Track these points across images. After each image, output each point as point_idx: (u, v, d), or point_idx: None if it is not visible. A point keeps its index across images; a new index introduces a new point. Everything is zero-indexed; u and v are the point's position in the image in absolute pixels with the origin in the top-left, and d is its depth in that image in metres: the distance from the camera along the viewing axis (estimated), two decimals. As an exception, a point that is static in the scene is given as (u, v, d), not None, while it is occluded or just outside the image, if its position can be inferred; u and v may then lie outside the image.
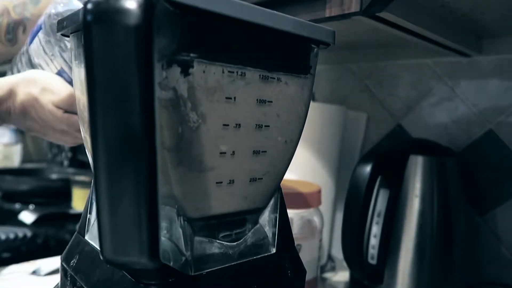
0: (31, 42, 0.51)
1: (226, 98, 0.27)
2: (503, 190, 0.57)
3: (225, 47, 0.26)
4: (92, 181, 0.27)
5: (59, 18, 0.33)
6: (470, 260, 0.58)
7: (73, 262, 0.32)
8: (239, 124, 0.28)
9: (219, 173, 0.29)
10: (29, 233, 0.77)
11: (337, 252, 0.71)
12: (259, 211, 0.34)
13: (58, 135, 0.49)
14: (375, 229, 0.53)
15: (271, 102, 0.29)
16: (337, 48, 0.65)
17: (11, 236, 0.74)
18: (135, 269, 0.26)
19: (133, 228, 0.21)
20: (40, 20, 0.50)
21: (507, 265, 0.56)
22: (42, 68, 0.50)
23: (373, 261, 0.53)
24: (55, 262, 0.60)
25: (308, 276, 0.47)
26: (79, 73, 0.31)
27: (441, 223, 0.51)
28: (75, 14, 0.29)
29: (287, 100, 0.30)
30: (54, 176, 1.21)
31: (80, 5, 0.48)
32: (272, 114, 0.30)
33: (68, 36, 0.33)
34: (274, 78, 0.29)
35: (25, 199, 0.97)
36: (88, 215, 0.33)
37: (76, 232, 0.35)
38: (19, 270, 0.58)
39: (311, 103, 0.34)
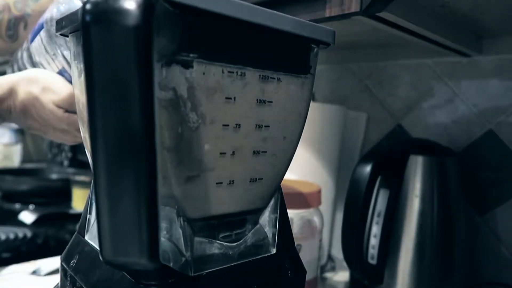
0: (32, 40, 0.51)
1: (226, 98, 0.27)
2: (503, 190, 0.57)
3: (225, 47, 0.26)
4: (92, 181, 0.27)
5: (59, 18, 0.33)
6: (470, 260, 0.58)
7: (73, 262, 0.32)
8: (239, 124, 0.28)
9: (219, 173, 0.29)
10: (29, 233, 0.77)
11: (337, 252, 0.71)
12: (259, 211, 0.34)
13: (59, 134, 0.49)
14: (375, 229, 0.53)
15: (271, 102, 0.29)
16: (337, 48, 0.65)
17: (11, 236, 0.74)
18: (134, 270, 0.26)
19: (133, 229, 0.21)
20: (42, 19, 0.50)
21: (507, 265, 0.56)
22: (43, 67, 0.50)
23: (373, 261, 0.53)
24: (55, 262, 0.60)
25: (308, 276, 0.47)
26: (78, 73, 0.31)
27: (441, 223, 0.51)
28: (74, 14, 0.29)
29: (287, 100, 0.30)
30: (54, 176, 1.21)
31: (81, 5, 0.48)
32: (272, 114, 0.30)
33: (67, 36, 0.33)
34: (274, 78, 0.29)
35: (25, 199, 0.97)
36: (88, 215, 0.33)
37: (76, 232, 0.35)
38: (19, 270, 0.58)
39: (311, 103, 0.34)
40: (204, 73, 0.25)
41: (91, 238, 0.33)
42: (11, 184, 1.01)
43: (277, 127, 0.31)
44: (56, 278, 0.42)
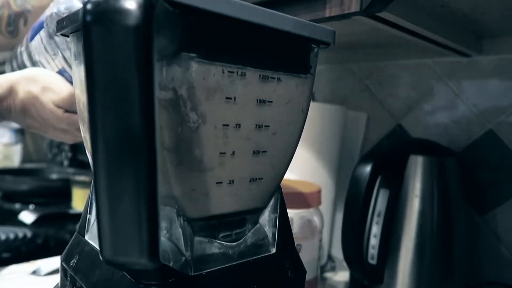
0: (32, 38, 0.51)
1: (226, 98, 0.27)
2: (503, 190, 0.57)
3: (225, 47, 0.26)
4: (92, 181, 0.27)
5: (59, 18, 0.33)
6: (470, 260, 0.58)
7: (73, 262, 0.32)
8: (239, 124, 0.28)
9: (219, 173, 0.29)
10: (29, 233, 0.77)
11: (337, 252, 0.71)
12: (259, 211, 0.34)
13: (59, 133, 0.50)
14: (375, 229, 0.53)
15: (271, 102, 0.29)
16: (337, 48, 0.65)
17: (11, 236, 0.74)
18: (135, 270, 0.26)
19: (133, 228, 0.21)
20: (42, 17, 0.50)
21: (507, 265, 0.56)
22: (43, 66, 0.50)
23: (373, 261, 0.53)
24: (55, 262, 0.60)
25: (308, 276, 0.47)
26: (79, 73, 0.31)
27: (441, 223, 0.51)
28: (74, 14, 0.29)
29: (287, 100, 0.30)
30: (54, 176, 1.21)
31: (81, 5, 0.48)
32: (272, 114, 0.30)
33: (68, 36, 0.33)
34: (274, 78, 0.29)
35: (25, 199, 0.97)
36: (88, 215, 0.33)
37: (76, 232, 0.35)
38: (19, 270, 0.58)
39: (311, 103, 0.34)
40: (204, 73, 0.25)
41: (91, 238, 0.33)
42: (11, 184, 1.01)
43: (277, 127, 0.31)
44: (56, 278, 0.42)
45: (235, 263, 0.31)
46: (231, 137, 0.28)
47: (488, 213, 0.58)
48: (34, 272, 0.57)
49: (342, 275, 0.65)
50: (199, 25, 0.25)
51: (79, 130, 0.48)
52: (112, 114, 0.20)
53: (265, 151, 0.31)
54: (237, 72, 0.27)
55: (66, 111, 0.47)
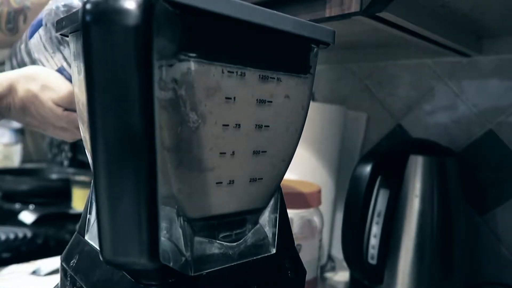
0: (31, 36, 0.51)
1: (226, 98, 0.27)
2: (503, 190, 0.57)
3: (225, 47, 0.26)
4: (92, 181, 0.27)
5: (59, 18, 0.33)
6: (470, 260, 0.58)
7: (73, 262, 0.32)
8: (239, 124, 0.28)
9: (219, 173, 0.29)
10: (29, 233, 0.77)
11: (337, 252, 0.71)
12: (259, 211, 0.34)
13: (58, 131, 0.50)
14: (375, 229, 0.53)
15: (271, 102, 0.29)
16: (337, 48, 0.65)
17: (11, 236, 0.74)
18: (135, 270, 0.26)
19: (133, 228, 0.21)
20: (41, 15, 0.50)
21: (507, 265, 0.56)
22: (42, 64, 0.50)
23: (373, 261, 0.53)
24: (55, 262, 0.60)
25: (308, 276, 0.47)
26: (78, 73, 0.31)
27: (441, 223, 0.51)
28: (74, 14, 0.29)
29: (287, 100, 0.30)
30: (54, 176, 1.21)
31: (80, 3, 0.47)
32: (272, 114, 0.30)
33: (67, 36, 0.33)
34: (274, 78, 0.29)
35: (25, 199, 0.97)
36: (88, 215, 0.33)
37: (76, 232, 0.35)
38: (19, 270, 0.58)
39: (311, 103, 0.34)
40: (204, 73, 0.25)
41: (91, 238, 0.33)
42: (11, 184, 1.01)
43: (277, 127, 0.31)
44: (56, 278, 0.42)
45: (235, 263, 0.31)
46: (231, 137, 0.28)
47: (488, 213, 0.58)
48: (34, 272, 0.57)
49: (342, 275, 0.65)
50: (199, 25, 0.25)
51: (78, 128, 0.48)
52: (112, 114, 0.20)
53: (265, 151, 0.31)
54: (237, 72, 0.27)
55: (66, 109, 0.47)
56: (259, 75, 0.28)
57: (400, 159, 0.54)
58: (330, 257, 0.70)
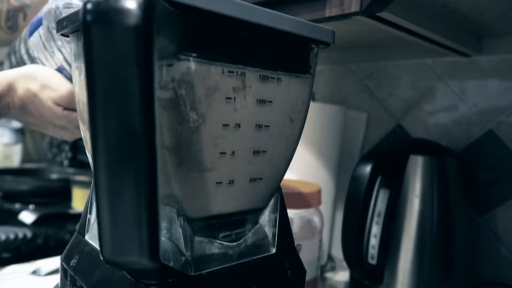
0: (30, 34, 0.51)
1: (226, 98, 0.27)
2: (503, 190, 0.57)
3: (225, 47, 0.26)
4: (92, 181, 0.27)
5: (59, 18, 0.33)
6: (470, 260, 0.58)
7: (73, 262, 0.32)
8: (239, 124, 0.28)
9: (219, 173, 0.29)
10: (29, 233, 0.77)
11: (337, 252, 0.71)
12: (259, 211, 0.34)
13: (58, 130, 0.50)
14: (375, 229, 0.53)
15: (271, 102, 0.29)
16: (337, 48, 0.65)
17: (11, 236, 0.74)
18: (135, 269, 0.26)
19: (133, 228, 0.21)
20: (40, 13, 0.50)
21: (507, 265, 0.56)
22: (42, 63, 0.50)
23: (373, 261, 0.53)
24: (55, 262, 0.60)
25: (308, 276, 0.47)
26: (79, 73, 0.31)
27: (441, 223, 0.51)
28: (74, 14, 0.29)
29: (287, 100, 0.30)
30: (54, 176, 1.21)
31: (80, 3, 0.47)
32: (272, 114, 0.30)
33: (68, 36, 0.33)
34: (274, 78, 0.29)
35: (25, 199, 0.97)
36: (88, 215, 0.33)
37: (76, 232, 0.35)
38: (19, 270, 0.58)
39: (311, 103, 0.34)
40: (204, 73, 0.25)
41: (91, 238, 0.33)
42: (11, 184, 1.01)
43: (277, 127, 0.31)
44: (56, 278, 0.42)
45: (235, 263, 0.31)
46: (231, 137, 0.28)
47: (488, 213, 0.58)
48: (34, 272, 0.57)
49: (342, 275, 0.65)
50: (199, 25, 0.25)
51: (78, 127, 0.48)
52: (112, 114, 0.20)
53: (265, 151, 0.31)
54: (237, 72, 0.27)
55: (65, 108, 0.47)
56: (259, 75, 0.28)
57: (400, 159, 0.54)
58: (330, 257, 0.70)
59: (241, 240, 0.32)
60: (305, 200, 0.51)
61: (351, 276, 0.59)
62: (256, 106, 0.29)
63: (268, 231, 0.34)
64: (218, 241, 0.31)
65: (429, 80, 0.65)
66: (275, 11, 0.27)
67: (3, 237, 0.73)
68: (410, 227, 0.51)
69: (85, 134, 0.33)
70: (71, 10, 0.46)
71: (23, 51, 0.52)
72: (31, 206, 0.94)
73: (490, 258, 0.58)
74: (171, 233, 0.28)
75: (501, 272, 0.57)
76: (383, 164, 0.52)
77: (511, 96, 0.56)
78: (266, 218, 0.34)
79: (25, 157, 1.51)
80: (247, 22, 0.26)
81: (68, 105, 0.47)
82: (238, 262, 0.31)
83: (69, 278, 0.32)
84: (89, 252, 0.31)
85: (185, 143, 0.26)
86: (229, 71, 0.26)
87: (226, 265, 0.30)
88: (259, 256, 0.32)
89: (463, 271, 0.54)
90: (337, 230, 0.71)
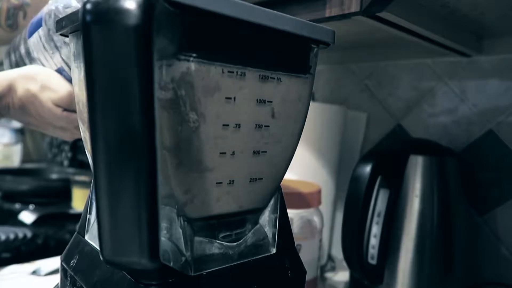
0: (30, 35, 0.51)
1: (226, 98, 0.27)
2: (503, 190, 0.57)
3: (225, 47, 0.26)
4: (92, 181, 0.27)
5: (59, 18, 0.33)
6: (470, 260, 0.58)
7: (73, 262, 0.32)
8: (239, 124, 0.28)
9: (219, 173, 0.29)
10: (29, 233, 0.77)
11: (337, 252, 0.71)
12: (259, 211, 0.34)
13: (57, 131, 0.50)
14: (375, 229, 0.53)
15: (271, 102, 0.29)
16: (337, 48, 0.65)
17: (11, 236, 0.74)
18: (135, 270, 0.26)
19: (133, 229, 0.21)
20: (40, 14, 0.50)
21: (507, 265, 0.56)
22: (42, 63, 0.50)
23: (373, 261, 0.53)
24: (55, 262, 0.60)
25: (308, 276, 0.47)
26: (78, 73, 0.31)
27: (441, 223, 0.51)
28: (74, 14, 0.29)
29: (287, 100, 0.30)
30: (54, 176, 1.21)
31: (79, 4, 0.47)
32: (272, 114, 0.30)
33: (67, 36, 0.33)
34: (274, 78, 0.29)
35: (25, 199, 0.97)
36: (88, 215, 0.33)
37: (76, 232, 0.35)
38: (19, 270, 0.58)
39: (311, 103, 0.34)
40: (204, 73, 0.25)
41: (91, 238, 0.33)
42: (11, 184, 1.01)
43: (277, 127, 0.31)
44: (56, 278, 0.42)
45: (235, 263, 0.31)
46: (231, 137, 0.28)
47: (488, 213, 0.58)
48: (34, 272, 0.57)
49: (342, 275, 0.65)
50: (199, 25, 0.25)
51: (77, 128, 0.48)
52: (112, 114, 0.20)
53: (265, 151, 0.31)
54: (237, 72, 0.27)
55: (65, 109, 0.47)
56: (259, 75, 0.28)
57: (400, 159, 0.54)
58: (330, 257, 0.70)
59: (241, 240, 0.32)
60: (305, 200, 0.51)
61: (351, 276, 0.59)
62: (256, 106, 0.29)
63: (268, 231, 0.34)
64: (218, 241, 0.31)
65: (429, 80, 0.65)
66: (275, 11, 0.27)
67: (3, 237, 0.73)
68: (410, 227, 0.51)
69: (84, 134, 0.33)
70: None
71: (23, 50, 0.52)
72: (31, 206, 0.94)
73: (490, 258, 0.58)
74: (171, 233, 0.28)
75: (501, 272, 0.57)
76: (383, 164, 0.52)
77: (511, 96, 0.56)
78: (266, 218, 0.34)
79: (25, 157, 1.51)
80: (247, 22, 0.26)
81: (68, 106, 0.47)
82: (238, 262, 0.31)
83: (69, 278, 0.32)
84: (89, 252, 0.31)
85: (185, 143, 0.26)
86: (229, 71, 0.26)
87: (226, 265, 0.30)
88: (259, 256, 0.32)
89: (463, 271, 0.54)
90: (337, 230, 0.71)
